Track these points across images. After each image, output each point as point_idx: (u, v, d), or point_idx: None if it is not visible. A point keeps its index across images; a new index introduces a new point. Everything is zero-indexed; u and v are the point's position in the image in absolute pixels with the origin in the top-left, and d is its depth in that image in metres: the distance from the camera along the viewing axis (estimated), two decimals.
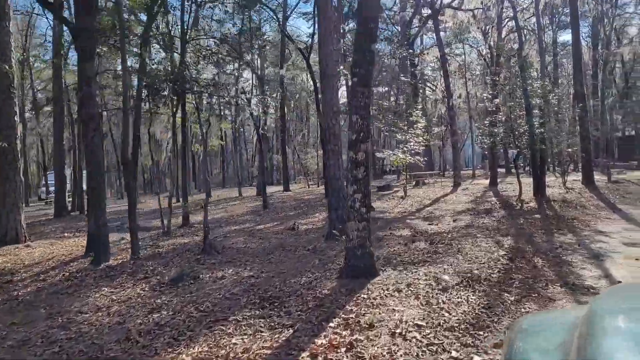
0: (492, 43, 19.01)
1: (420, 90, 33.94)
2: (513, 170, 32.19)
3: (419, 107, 18.65)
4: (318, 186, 34.13)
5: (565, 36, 49.18)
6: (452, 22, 29.57)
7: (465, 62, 31.37)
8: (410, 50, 22.35)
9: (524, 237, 9.36)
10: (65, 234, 14.74)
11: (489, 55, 25.59)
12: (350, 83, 6.72)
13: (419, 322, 4.79)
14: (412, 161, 17.70)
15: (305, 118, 57.86)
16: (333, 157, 10.22)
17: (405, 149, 17.20)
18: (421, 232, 10.60)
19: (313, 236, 11.04)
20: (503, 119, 13.81)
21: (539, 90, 13.24)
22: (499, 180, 25.74)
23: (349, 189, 6.66)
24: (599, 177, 21.04)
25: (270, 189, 32.70)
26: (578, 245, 8.36)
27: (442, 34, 37.36)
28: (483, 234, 9.82)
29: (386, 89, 45.71)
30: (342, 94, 24.46)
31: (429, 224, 11.68)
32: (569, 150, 15.52)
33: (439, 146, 40.80)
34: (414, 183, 25.94)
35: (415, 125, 17.08)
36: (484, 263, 7.24)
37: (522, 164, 32.33)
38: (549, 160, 22.97)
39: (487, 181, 22.11)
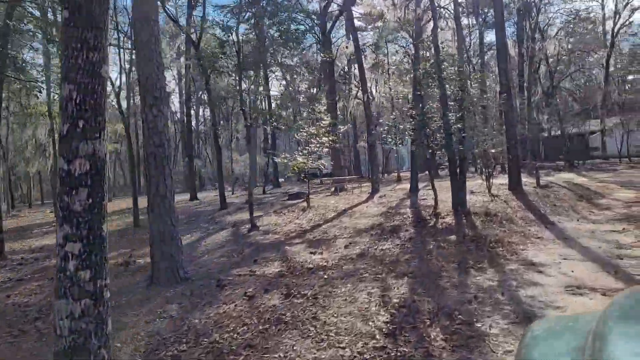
0: (409, 28, 16.64)
1: (344, 86, 31.39)
2: (442, 173, 30.09)
3: (322, 101, 15.63)
4: (233, 194, 30.61)
5: (492, 36, 48.83)
6: (380, 21, 27.16)
7: (387, 59, 28.99)
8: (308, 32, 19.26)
9: (428, 278, 6.46)
10: None
11: (411, 48, 23.22)
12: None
13: None
14: (314, 166, 14.69)
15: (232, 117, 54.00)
16: (156, 165, 6.85)
17: (305, 151, 14.13)
18: (294, 267, 7.50)
19: (140, 279, 7.63)
20: (413, 112, 11.05)
21: (453, 76, 10.60)
22: (423, 185, 23.53)
23: (57, 233, 3.35)
24: (526, 180, 19.08)
25: (181, 197, 28.85)
26: (501, 295, 5.54)
27: (371, 33, 35.17)
28: (373, 271, 6.84)
29: (315, 90, 42.93)
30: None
31: (312, 253, 8.61)
32: (493, 150, 13.06)
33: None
34: (332, 189, 23.18)
35: (318, 123, 14.05)
36: (344, 347, 4.18)
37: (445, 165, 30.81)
38: (477, 160, 20.96)
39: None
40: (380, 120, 15.28)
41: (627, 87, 39.14)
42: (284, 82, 32.76)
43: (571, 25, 36.96)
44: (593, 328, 1.37)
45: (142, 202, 23.38)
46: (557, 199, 13.75)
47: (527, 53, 23.41)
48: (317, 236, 10.39)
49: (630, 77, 43.58)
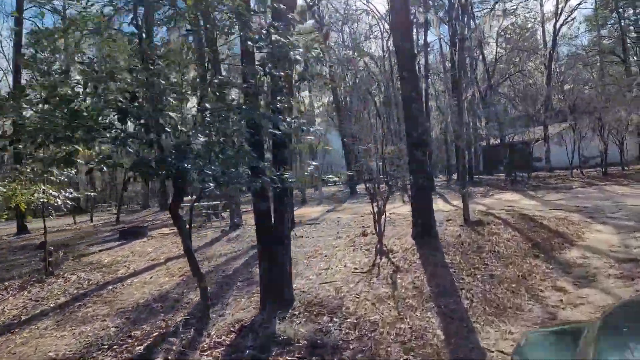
0: None
1: None
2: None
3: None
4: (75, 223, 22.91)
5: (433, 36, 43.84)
6: None
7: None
8: None
9: None
10: None
11: None
12: None
13: None
14: (59, 202, 7.65)
15: None
16: None
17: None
18: None
19: None
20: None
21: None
22: (329, 209, 17.43)
23: None
24: (453, 208, 13.07)
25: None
26: None
27: None
28: None
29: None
30: None
31: None
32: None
33: None
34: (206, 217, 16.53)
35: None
36: None
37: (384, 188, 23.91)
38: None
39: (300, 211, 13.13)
40: None
41: (562, 97, 34.96)
42: None
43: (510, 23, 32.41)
44: (585, 338, 1.36)
45: None
46: (495, 254, 7.55)
47: (459, 33, 17.74)
48: None
49: (566, 87, 40.08)
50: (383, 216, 8.02)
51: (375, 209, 7.92)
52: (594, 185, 17.65)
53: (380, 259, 7.04)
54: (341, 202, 21.18)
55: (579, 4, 33.34)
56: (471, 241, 8.19)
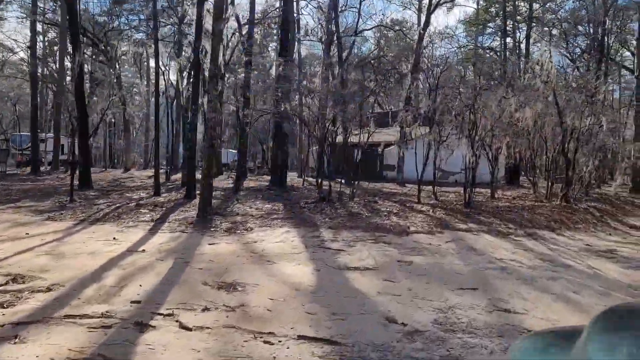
0: None
1: None
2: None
3: None
4: None
5: None
6: None
7: None
8: None
9: None
10: None
11: None
12: None
13: None
14: None
15: None
16: None
17: None
18: None
19: None
20: None
21: None
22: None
23: None
24: None
25: None
26: None
27: None
28: None
29: None
30: None
31: None
32: None
33: None
34: None
35: None
36: None
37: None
38: None
39: None
40: None
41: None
42: None
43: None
44: (578, 342, 1.10)
45: None
46: None
47: None
48: None
49: (438, 101, 34.53)
50: None
51: None
52: (449, 229, 9.16)
53: None
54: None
55: None
56: None
